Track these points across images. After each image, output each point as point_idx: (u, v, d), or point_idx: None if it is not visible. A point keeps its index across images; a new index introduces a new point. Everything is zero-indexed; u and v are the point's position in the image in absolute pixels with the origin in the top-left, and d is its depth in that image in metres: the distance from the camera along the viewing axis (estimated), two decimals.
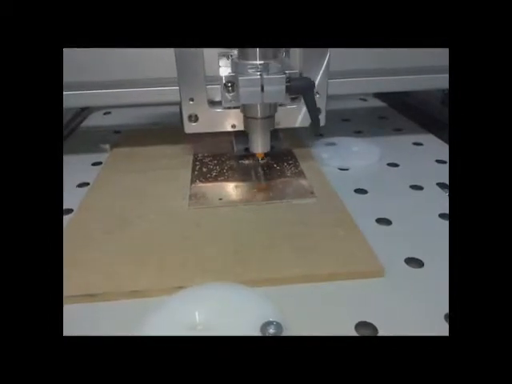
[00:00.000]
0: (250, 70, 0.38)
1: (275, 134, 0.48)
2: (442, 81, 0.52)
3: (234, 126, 0.46)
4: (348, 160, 0.53)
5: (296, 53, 0.43)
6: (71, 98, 0.49)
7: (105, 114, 0.76)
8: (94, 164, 0.54)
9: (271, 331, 0.27)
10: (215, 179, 0.47)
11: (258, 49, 0.38)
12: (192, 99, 0.43)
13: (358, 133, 0.62)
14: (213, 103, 0.44)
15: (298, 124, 0.46)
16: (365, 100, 0.80)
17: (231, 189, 0.46)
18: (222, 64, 0.43)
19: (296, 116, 0.46)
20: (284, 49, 0.43)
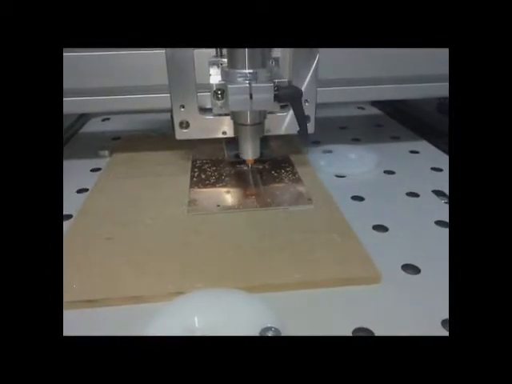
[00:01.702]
0: (239, 79, 0.39)
1: (266, 141, 0.48)
2: (437, 89, 0.53)
3: (224, 133, 0.46)
4: (345, 167, 0.53)
5: (286, 61, 0.44)
6: (69, 105, 0.49)
7: (103, 120, 0.77)
8: (93, 170, 0.54)
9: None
10: (213, 185, 0.48)
11: (247, 58, 0.39)
12: (183, 106, 0.44)
13: (355, 140, 0.63)
14: (203, 110, 0.45)
15: (283, 131, 0.47)
16: (362, 108, 0.80)
17: (229, 195, 0.46)
18: (212, 72, 0.44)
19: (283, 123, 0.46)
20: (273, 57, 0.44)
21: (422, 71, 0.52)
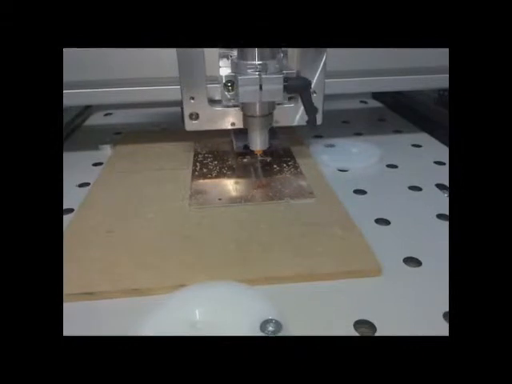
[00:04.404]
0: (249, 70, 0.39)
1: (274, 133, 0.48)
2: (439, 81, 0.53)
3: (233, 124, 0.46)
4: (347, 161, 0.53)
5: (294, 53, 0.44)
6: (73, 97, 0.50)
7: (105, 115, 0.77)
8: (95, 164, 0.54)
9: (270, 329, 0.27)
10: (215, 179, 0.48)
11: (256, 50, 0.39)
12: (193, 98, 0.44)
13: (358, 134, 0.63)
14: (213, 102, 0.45)
15: (295, 122, 0.47)
16: (365, 102, 0.80)
17: (231, 189, 0.46)
18: (222, 64, 0.44)
19: (294, 115, 0.46)
20: (282, 50, 0.44)
21: (422, 63, 0.52)
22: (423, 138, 0.61)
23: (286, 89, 0.39)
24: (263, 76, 0.38)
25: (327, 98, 0.46)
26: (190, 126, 0.46)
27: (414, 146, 0.58)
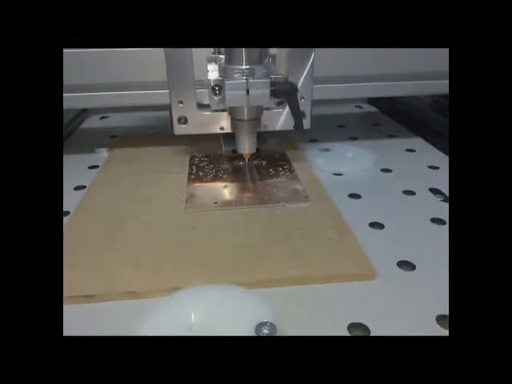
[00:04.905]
0: (236, 75, 0.39)
1: (263, 138, 0.49)
2: (432, 87, 0.54)
3: (222, 128, 0.47)
4: (342, 165, 0.53)
5: (281, 56, 0.44)
6: (70, 100, 0.50)
7: (101, 118, 0.77)
8: (91, 167, 0.54)
9: (265, 332, 0.27)
10: (211, 183, 0.48)
11: (244, 54, 0.39)
12: (181, 102, 0.44)
13: (353, 139, 0.63)
14: (201, 106, 0.46)
15: (279, 127, 0.47)
16: (360, 107, 0.81)
17: (227, 192, 0.46)
18: (210, 68, 0.44)
19: (280, 119, 0.47)
20: (269, 54, 0.44)
21: (417, 69, 0.53)
22: (417, 142, 0.62)
23: (273, 93, 0.39)
24: (250, 80, 0.39)
25: (323, 102, 0.46)
26: (179, 130, 0.46)
27: (408, 150, 0.59)
